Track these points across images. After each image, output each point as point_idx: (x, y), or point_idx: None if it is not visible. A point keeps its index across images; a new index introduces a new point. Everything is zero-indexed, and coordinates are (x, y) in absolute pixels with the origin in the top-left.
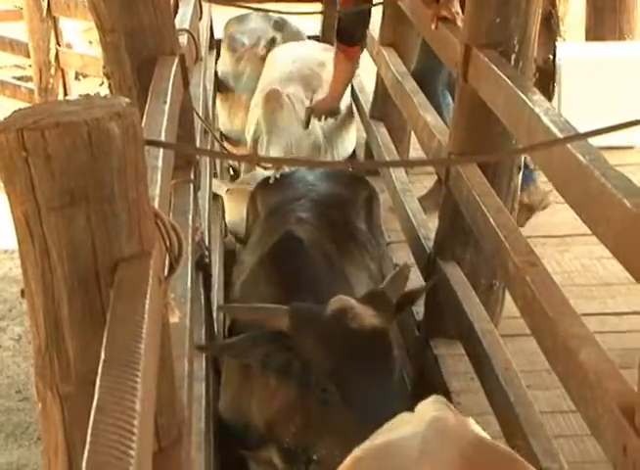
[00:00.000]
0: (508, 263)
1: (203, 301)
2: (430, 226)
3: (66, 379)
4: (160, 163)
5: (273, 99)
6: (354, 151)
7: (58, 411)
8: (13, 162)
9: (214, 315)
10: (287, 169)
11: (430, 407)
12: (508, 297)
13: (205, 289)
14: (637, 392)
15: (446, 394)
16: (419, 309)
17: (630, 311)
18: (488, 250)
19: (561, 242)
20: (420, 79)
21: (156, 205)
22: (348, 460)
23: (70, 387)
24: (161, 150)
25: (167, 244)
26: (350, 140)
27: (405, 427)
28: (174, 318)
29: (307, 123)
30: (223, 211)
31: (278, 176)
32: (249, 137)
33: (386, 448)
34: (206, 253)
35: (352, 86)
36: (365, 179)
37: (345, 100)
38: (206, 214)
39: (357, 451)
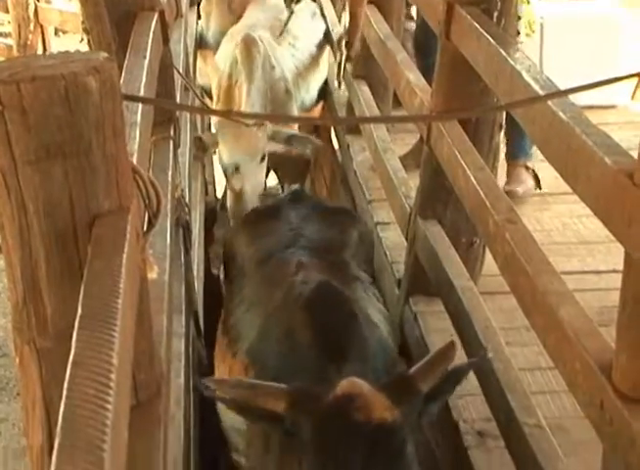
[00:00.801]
0: (488, 221)
1: (182, 258)
2: (410, 185)
3: (43, 334)
4: (138, 118)
5: (251, 44)
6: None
7: (35, 366)
8: None
9: (195, 272)
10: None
11: None
12: (488, 255)
13: (184, 246)
14: (615, 349)
15: (425, 351)
16: (399, 267)
17: (609, 270)
18: (469, 208)
19: (541, 200)
20: (420, 45)
21: (134, 160)
22: None
23: (48, 342)
24: (140, 105)
25: (146, 200)
26: (318, 80)
27: None
28: (153, 274)
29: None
30: (204, 169)
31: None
32: (216, 85)
33: None
34: (187, 210)
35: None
36: (352, 214)
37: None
38: (187, 172)
39: None
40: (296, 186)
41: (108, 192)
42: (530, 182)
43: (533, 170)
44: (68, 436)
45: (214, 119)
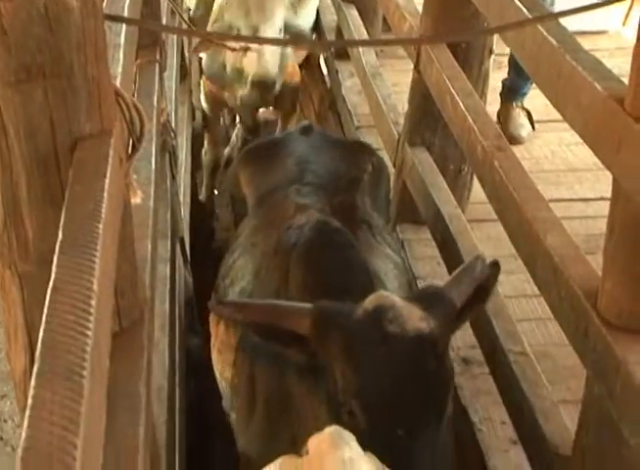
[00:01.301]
0: (477, 148)
1: (168, 183)
2: (399, 110)
3: (24, 258)
4: (122, 40)
5: None
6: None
7: (17, 290)
8: None
9: (181, 198)
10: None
11: (336, 450)
12: (476, 182)
13: (171, 172)
14: (601, 277)
15: (413, 279)
16: None
17: (597, 197)
18: (457, 134)
19: None
20: None
21: (117, 83)
22: None
23: (29, 266)
24: (124, 27)
25: (129, 124)
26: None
27: None
28: (136, 199)
29: None
30: (191, 94)
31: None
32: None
33: None
34: (173, 135)
35: None
36: (368, 146)
37: None
38: (173, 96)
39: None
40: (306, 122)
41: (90, 115)
42: (528, 124)
43: (527, 111)
44: (48, 362)
45: None
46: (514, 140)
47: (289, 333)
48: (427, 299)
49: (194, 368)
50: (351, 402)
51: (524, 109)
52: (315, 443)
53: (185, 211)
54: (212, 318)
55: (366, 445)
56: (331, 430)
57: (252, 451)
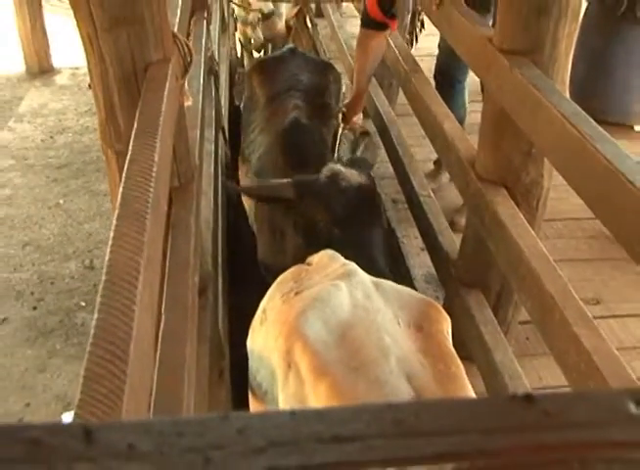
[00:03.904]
0: (401, 70)
1: (213, 93)
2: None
3: (118, 141)
4: (179, 2)
5: None
6: None
7: (115, 161)
8: None
9: (222, 102)
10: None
11: (335, 261)
12: (401, 91)
13: (215, 86)
14: (477, 149)
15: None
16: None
17: (479, 100)
18: (389, 62)
19: None
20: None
21: (175, 29)
22: (299, 313)
23: (121, 145)
24: None
25: (183, 55)
26: None
27: (319, 280)
28: (188, 102)
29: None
30: (229, 40)
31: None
32: None
33: (322, 303)
34: (216, 63)
35: None
36: (331, 65)
37: None
38: (217, 40)
39: (295, 307)
40: (291, 44)
41: (156, 48)
42: None
43: None
44: (123, 208)
45: None
46: None
47: (280, 198)
48: (357, 164)
49: (232, 205)
50: (330, 226)
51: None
52: (317, 257)
53: (225, 111)
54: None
55: (340, 243)
56: (328, 251)
57: (268, 260)
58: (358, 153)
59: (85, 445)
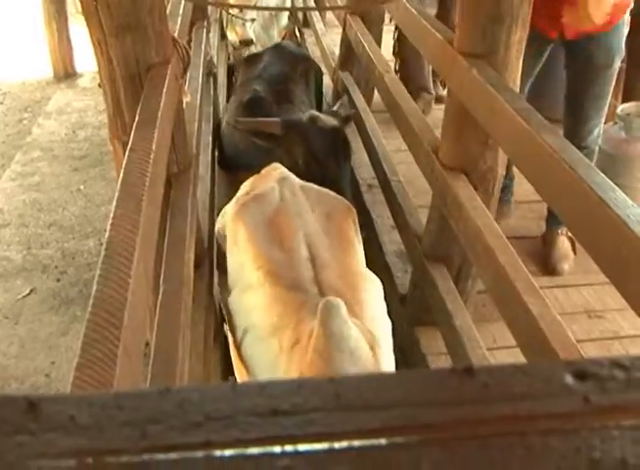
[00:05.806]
0: (374, 71)
1: (212, 93)
2: (335, 53)
3: (124, 132)
4: (180, 11)
5: None
6: None
7: (120, 150)
8: (89, 7)
9: (220, 100)
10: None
11: (275, 171)
12: (376, 91)
13: (213, 86)
14: (440, 139)
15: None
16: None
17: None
18: (365, 64)
19: None
20: None
21: (175, 34)
22: (236, 207)
23: (126, 137)
24: (182, 2)
25: (182, 57)
26: None
27: (264, 184)
28: (187, 98)
29: None
30: (227, 46)
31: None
32: None
33: (260, 198)
34: (214, 66)
35: None
36: (306, 56)
37: None
38: (215, 46)
39: (241, 200)
40: (279, 41)
41: (157, 51)
42: (572, 254)
43: (571, 239)
44: (123, 191)
45: None
46: (556, 270)
47: (269, 134)
48: (332, 114)
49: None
50: (309, 159)
51: (568, 237)
52: (265, 170)
53: (222, 108)
54: None
55: (319, 174)
56: (273, 164)
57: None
58: (335, 107)
59: (28, 417)
